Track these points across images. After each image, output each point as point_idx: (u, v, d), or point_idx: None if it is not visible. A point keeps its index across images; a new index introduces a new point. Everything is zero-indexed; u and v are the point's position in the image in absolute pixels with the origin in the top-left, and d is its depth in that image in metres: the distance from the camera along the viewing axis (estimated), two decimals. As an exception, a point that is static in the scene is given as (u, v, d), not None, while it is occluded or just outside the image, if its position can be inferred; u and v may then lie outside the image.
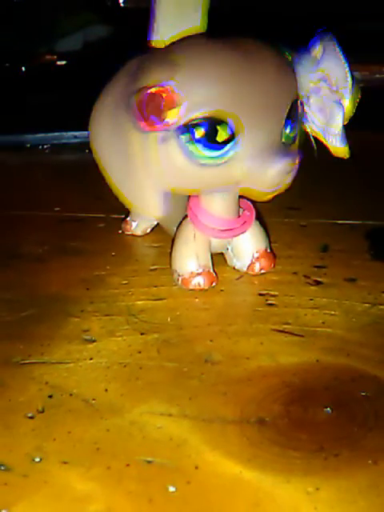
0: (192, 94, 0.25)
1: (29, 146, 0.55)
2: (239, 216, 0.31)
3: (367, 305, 0.29)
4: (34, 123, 0.57)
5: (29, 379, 0.24)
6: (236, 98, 0.26)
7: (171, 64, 0.26)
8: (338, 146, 0.29)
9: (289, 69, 0.28)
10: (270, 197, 0.28)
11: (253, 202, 0.31)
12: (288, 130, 0.27)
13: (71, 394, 0.23)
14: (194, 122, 0.26)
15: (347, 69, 0.27)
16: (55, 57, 0.70)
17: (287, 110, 0.27)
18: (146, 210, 0.30)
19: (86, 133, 0.55)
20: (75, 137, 0.55)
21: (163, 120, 0.25)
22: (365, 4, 0.69)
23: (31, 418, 0.22)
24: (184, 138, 0.26)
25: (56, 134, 0.56)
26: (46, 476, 0.20)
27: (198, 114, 0.26)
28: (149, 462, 0.20)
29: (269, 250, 0.32)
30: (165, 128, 0.26)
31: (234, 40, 0.27)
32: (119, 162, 0.29)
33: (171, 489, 0.19)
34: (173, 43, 0.27)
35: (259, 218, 0.32)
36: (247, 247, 0.31)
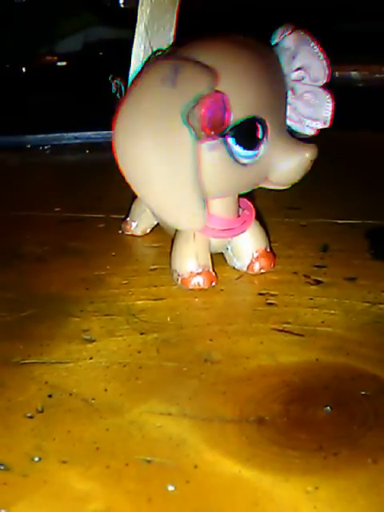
0: (235, 99, 0.26)
1: (29, 146, 0.55)
2: (239, 216, 0.31)
3: (367, 304, 0.29)
4: (35, 124, 0.57)
5: (28, 379, 0.24)
6: (263, 99, 0.27)
7: (213, 71, 0.26)
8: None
9: (280, 66, 0.29)
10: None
11: (252, 201, 0.31)
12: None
13: (71, 394, 0.23)
14: (237, 126, 0.26)
15: (324, 61, 0.28)
16: (55, 58, 0.70)
17: (286, 104, 0.28)
18: (191, 223, 0.28)
19: (86, 134, 0.56)
20: (75, 138, 0.56)
21: (225, 128, 0.26)
22: (364, 3, 0.68)
23: (31, 417, 0.22)
24: (230, 141, 0.27)
25: (56, 134, 0.56)
26: (45, 475, 0.20)
27: (239, 117, 0.26)
28: (148, 461, 0.20)
29: (268, 250, 0.32)
30: (220, 134, 0.26)
31: (242, 40, 0.28)
32: (161, 171, 0.27)
33: (170, 488, 0.19)
34: (185, 45, 0.28)
35: (259, 217, 0.32)
36: (247, 247, 0.31)
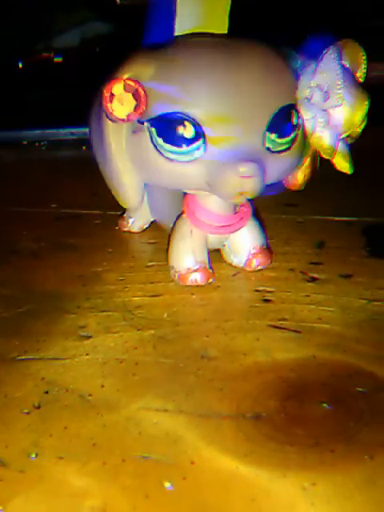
0: (162, 89, 0.26)
1: (25, 142, 0.55)
2: (236, 212, 0.31)
3: (363, 301, 0.29)
4: (31, 120, 0.57)
5: (25, 375, 0.24)
6: (208, 98, 0.26)
7: (147, 59, 0.26)
8: (340, 160, 0.29)
9: (283, 72, 0.27)
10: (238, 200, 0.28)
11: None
12: (274, 136, 0.26)
13: (67, 390, 0.23)
14: (162, 117, 0.26)
15: (340, 80, 0.27)
16: (52, 53, 0.70)
17: (272, 115, 0.26)
18: (123, 201, 0.31)
19: (82, 130, 0.55)
20: (72, 133, 0.55)
21: (128, 112, 0.26)
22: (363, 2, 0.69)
23: (27, 413, 0.22)
24: (153, 130, 0.26)
25: (53, 130, 0.56)
26: (42, 471, 0.20)
27: (166, 109, 0.26)
28: (145, 457, 0.20)
29: (266, 247, 0.32)
30: (130, 120, 0.27)
31: (225, 40, 0.27)
32: (102, 153, 0.29)
33: (167, 484, 0.19)
34: (162, 42, 0.28)
35: (256, 214, 0.32)
36: (244, 243, 0.31)
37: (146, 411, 0.22)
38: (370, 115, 0.30)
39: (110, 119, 0.27)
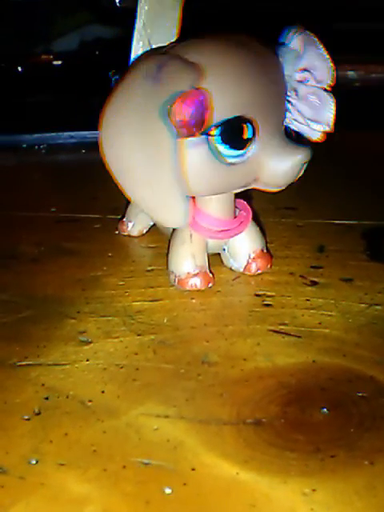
0: (220, 97, 0.26)
1: (25, 146, 0.55)
2: (235, 217, 0.31)
3: (364, 305, 0.29)
4: (31, 123, 0.57)
5: (25, 381, 0.24)
6: (254, 98, 0.27)
7: (197, 68, 0.26)
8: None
9: (281, 66, 0.28)
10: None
11: (249, 202, 0.31)
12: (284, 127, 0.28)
13: (67, 396, 0.23)
14: (222, 124, 0.26)
15: (329, 63, 0.27)
16: (52, 57, 0.70)
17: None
18: (167, 219, 0.29)
19: (82, 133, 0.56)
20: (71, 137, 0.55)
21: (204, 125, 0.26)
22: (362, 3, 0.69)
23: (27, 419, 0.22)
24: (213, 139, 0.26)
25: (52, 134, 0.56)
26: (42, 478, 0.20)
27: (225, 116, 0.26)
28: (145, 463, 0.20)
29: (265, 251, 0.32)
30: (201, 132, 0.26)
31: (239, 39, 0.28)
32: (143, 167, 0.27)
33: (167, 491, 0.19)
34: (181, 43, 0.28)
35: (255, 218, 0.32)
36: (243, 248, 0.31)
37: (146, 417, 0.22)
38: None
39: (182, 135, 0.26)
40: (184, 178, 0.27)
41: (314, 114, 0.28)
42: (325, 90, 0.28)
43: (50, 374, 0.25)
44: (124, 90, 0.27)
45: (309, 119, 0.28)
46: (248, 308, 0.29)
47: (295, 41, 0.28)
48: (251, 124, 0.27)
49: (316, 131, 0.28)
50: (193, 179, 0.27)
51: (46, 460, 0.20)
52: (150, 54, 0.29)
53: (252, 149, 0.27)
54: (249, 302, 0.30)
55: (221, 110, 0.26)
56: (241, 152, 0.27)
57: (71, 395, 0.23)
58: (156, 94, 0.26)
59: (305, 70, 0.28)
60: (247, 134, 0.27)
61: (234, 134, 0.26)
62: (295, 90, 0.28)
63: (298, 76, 0.28)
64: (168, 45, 0.29)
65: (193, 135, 0.26)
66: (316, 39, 0.28)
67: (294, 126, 0.29)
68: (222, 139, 0.26)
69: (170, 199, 0.28)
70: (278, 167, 0.27)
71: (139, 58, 0.29)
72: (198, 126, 0.26)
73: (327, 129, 0.28)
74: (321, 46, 0.28)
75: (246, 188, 0.29)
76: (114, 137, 0.27)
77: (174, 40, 0.31)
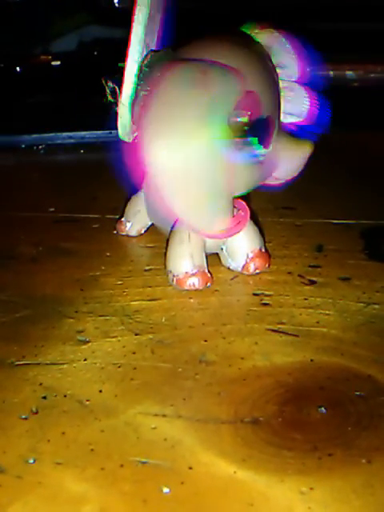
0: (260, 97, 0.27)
1: (23, 146, 0.55)
2: (234, 216, 0.31)
3: (362, 304, 0.29)
4: (29, 124, 0.57)
5: (23, 380, 0.24)
6: (270, 97, 0.28)
7: (237, 72, 0.26)
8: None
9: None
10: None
11: (247, 202, 0.31)
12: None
13: (65, 395, 0.23)
14: (260, 122, 0.27)
15: (297, 59, 0.28)
16: (50, 57, 0.70)
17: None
18: (217, 224, 0.29)
19: (80, 133, 0.56)
20: (70, 137, 0.55)
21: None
22: (361, 3, 0.69)
23: (25, 419, 0.22)
24: (251, 140, 0.27)
25: (51, 134, 0.56)
26: (40, 477, 0.20)
27: (263, 114, 0.27)
28: (143, 462, 0.20)
29: (263, 250, 0.32)
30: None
31: (244, 39, 0.28)
32: (197, 174, 0.27)
33: (165, 489, 0.19)
34: (188, 46, 0.28)
35: (254, 217, 0.32)
36: (242, 247, 0.31)
37: (144, 416, 0.22)
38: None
39: (233, 138, 0.27)
40: (229, 181, 0.28)
41: (289, 107, 0.29)
42: (297, 83, 0.28)
43: (47, 373, 0.25)
44: (166, 101, 0.27)
45: (285, 113, 0.29)
46: (246, 307, 0.29)
47: (262, 38, 0.28)
48: (274, 122, 0.28)
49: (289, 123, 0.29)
50: (236, 181, 0.28)
51: (44, 459, 0.20)
52: (179, 60, 0.28)
53: (273, 144, 0.28)
54: (247, 302, 0.30)
55: (261, 110, 0.27)
56: (267, 150, 0.28)
57: (69, 394, 0.23)
58: (204, 100, 0.26)
59: (276, 65, 0.28)
60: (274, 132, 0.28)
61: (266, 133, 0.28)
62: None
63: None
64: (166, 49, 0.29)
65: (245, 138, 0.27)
66: (281, 36, 0.28)
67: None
68: (251, 140, 0.27)
69: (217, 205, 0.29)
70: (290, 160, 0.29)
71: (162, 65, 0.28)
72: (252, 130, 0.27)
73: (301, 120, 0.29)
74: (287, 43, 0.28)
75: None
76: (162, 145, 0.27)
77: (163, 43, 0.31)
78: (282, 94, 0.29)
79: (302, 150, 0.29)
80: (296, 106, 0.29)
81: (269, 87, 0.28)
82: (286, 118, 0.29)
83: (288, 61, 0.28)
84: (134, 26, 0.30)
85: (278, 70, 0.28)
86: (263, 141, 0.28)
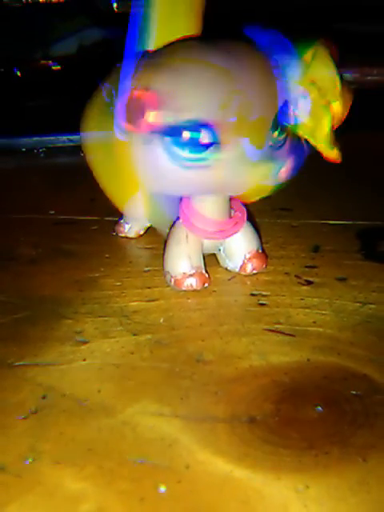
0: (175, 98, 0.26)
1: (24, 149, 0.56)
2: (231, 217, 0.31)
3: (358, 304, 0.29)
4: (29, 127, 0.57)
5: (22, 380, 0.24)
6: (221, 104, 0.26)
7: (156, 68, 0.26)
8: (328, 150, 0.29)
9: (276, 73, 0.28)
10: (257, 198, 0.29)
11: (244, 203, 0.31)
12: (276, 134, 0.27)
13: (64, 395, 0.23)
14: (177, 125, 0.26)
15: (337, 77, 0.27)
16: (50, 61, 0.70)
17: (275, 115, 0.27)
18: (132, 212, 0.31)
19: (80, 136, 0.56)
20: (70, 140, 0.56)
21: (143, 121, 0.26)
22: (359, 5, 0.69)
23: (24, 418, 0.22)
24: (167, 139, 0.26)
25: (51, 137, 0.56)
26: (38, 476, 0.20)
27: (181, 117, 0.26)
28: (140, 461, 0.20)
29: (260, 251, 0.32)
30: (146, 129, 0.26)
31: (223, 44, 0.27)
32: (107, 163, 0.29)
33: (162, 488, 0.19)
34: (164, 46, 0.28)
35: (251, 218, 0.32)
36: (239, 248, 0.32)
37: (141, 415, 0.22)
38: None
39: (123, 129, 0.27)
40: (143, 175, 0.28)
41: (314, 125, 0.28)
42: (324, 105, 0.28)
43: (46, 373, 0.25)
44: (97, 90, 0.29)
45: (312, 128, 0.28)
46: (243, 307, 0.29)
47: (264, 40, 0.28)
48: (212, 129, 0.26)
49: (320, 140, 0.28)
50: (150, 176, 0.28)
51: (43, 458, 0.21)
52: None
53: (213, 154, 0.26)
54: (244, 302, 0.30)
55: (177, 110, 0.26)
56: (198, 156, 0.26)
57: (67, 394, 0.24)
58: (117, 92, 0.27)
59: (277, 66, 0.28)
60: (207, 139, 0.26)
61: (189, 136, 0.26)
62: (296, 100, 0.28)
63: (302, 83, 0.28)
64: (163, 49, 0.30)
65: (136, 130, 0.26)
66: (282, 36, 0.28)
67: (303, 133, 0.29)
68: (174, 141, 0.26)
69: (129, 193, 0.30)
70: (238, 177, 0.27)
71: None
72: (135, 122, 0.26)
73: (303, 121, 0.28)
74: (289, 43, 0.28)
75: (223, 192, 0.29)
76: (86, 135, 0.31)
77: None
78: (312, 107, 0.28)
79: (254, 170, 0.27)
80: (297, 106, 0.28)
81: (259, 89, 0.27)
82: (290, 119, 0.29)
83: (327, 76, 0.27)
84: (129, 27, 0.30)
85: (308, 87, 0.28)
86: (186, 146, 0.26)
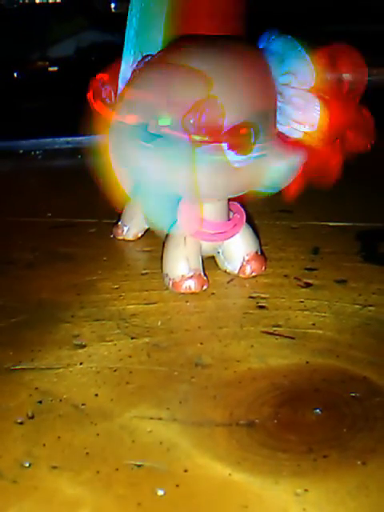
0: (228, 104, 0.26)
1: (21, 151, 0.55)
2: (229, 219, 0.31)
3: (357, 306, 0.29)
4: (27, 129, 0.57)
5: (19, 385, 0.24)
6: (254, 103, 0.27)
7: (204, 76, 0.26)
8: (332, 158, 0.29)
9: (272, 78, 0.28)
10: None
11: (243, 205, 0.31)
12: (264, 139, 0.28)
13: (61, 400, 0.23)
14: (230, 131, 0.26)
15: (311, 66, 0.27)
16: (47, 62, 0.70)
17: (264, 120, 0.28)
18: (186, 226, 0.29)
19: (78, 138, 0.56)
20: (68, 142, 0.56)
21: (221, 134, 0.26)
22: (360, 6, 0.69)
23: (21, 423, 0.22)
24: (223, 146, 0.26)
25: (48, 139, 0.56)
26: (35, 481, 0.20)
27: (232, 122, 0.26)
28: (138, 465, 0.20)
29: (260, 253, 0.32)
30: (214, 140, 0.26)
31: (235, 45, 0.28)
32: (159, 178, 0.28)
33: (160, 492, 0.19)
34: (181, 49, 0.28)
35: (250, 220, 0.32)
36: (238, 250, 0.31)
37: (139, 420, 0.22)
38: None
39: (195, 144, 0.26)
40: (196, 185, 0.27)
41: (299, 115, 0.28)
42: (309, 91, 0.28)
43: (43, 377, 0.25)
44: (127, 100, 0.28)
45: (294, 120, 0.28)
46: (242, 310, 0.29)
47: (276, 44, 0.28)
48: (255, 128, 0.27)
49: (297, 131, 0.28)
50: (204, 185, 0.27)
51: (39, 463, 0.20)
52: (152, 62, 0.29)
53: (255, 152, 0.27)
54: (243, 305, 0.30)
55: (229, 116, 0.26)
56: (246, 156, 0.27)
57: (65, 399, 0.23)
58: (169, 104, 0.26)
59: (287, 72, 0.28)
60: (252, 139, 0.27)
61: (243, 140, 0.27)
62: (281, 93, 0.28)
63: (282, 79, 0.28)
64: (159, 52, 0.30)
65: (207, 143, 0.26)
66: (296, 41, 0.28)
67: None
68: (229, 146, 0.27)
69: (184, 207, 0.28)
70: (278, 169, 0.28)
71: (139, 68, 0.29)
72: (213, 135, 0.26)
73: (312, 129, 0.28)
74: (302, 49, 0.28)
75: (248, 190, 0.29)
76: (124, 146, 0.28)
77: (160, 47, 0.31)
78: (293, 101, 0.28)
79: (291, 159, 0.28)
80: (307, 113, 0.28)
81: (255, 94, 0.27)
82: (294, 126, 0.28)
83: (302, 67, 0.27)
84: (127, 30, 0.30)
85: (288, 77, 0.28)
86: (240, 149, 0.27)
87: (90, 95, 0.27)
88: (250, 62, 0.27)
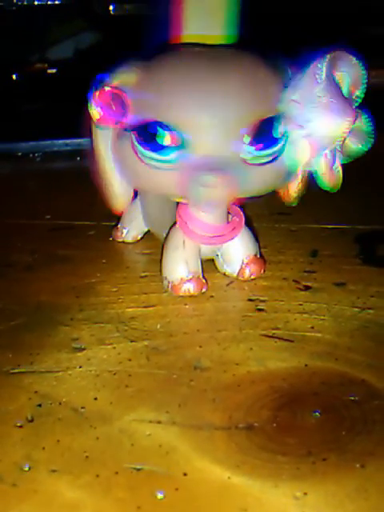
0: (142, 98, 0.27)
1: (20, 154, 0.56)
2: (228, 222, 0.31)
3: (356, 309, 0.29)
4: (26, 131, 0.57)
5: (18, 388, 0.24)
6: (185, 108, 0.26)
7: (131, 67, 0.28)
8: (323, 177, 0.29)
9: (268, 84, 0.27)
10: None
11: (242, 207, 0.31)
12: (252, 148, 0.27)
13: (60, 403, 0.23)
14: (142, 124, 0.27)
15: (320, 92, 0.27)
16: (46, 64, 0.70)
17: (249, 126, 0.26)
18: (112, 203, 0.32)
19: (77, 141, 0.56)
20: (66, 145, 0.56)
21: (109, 117, 0.28)
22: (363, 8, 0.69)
23: (20, 427, 0.22)
24: (133, 136, 0.27)
25: (47, 142, 0.56)
26: (35, 485, 0.20)
27: (145, 116, 0.27)
28: (138, 469, 0.20)
29: (259, 256, 0.32)
30: (112, 126, 0.28)
31: (211, 50, 0.27)
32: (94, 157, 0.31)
33: (159, 496, 0.19)
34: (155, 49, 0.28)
35: (249, 223, 0.32)
36: (237, 253, 0.32)
37: (138, 423, 0.22)
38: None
39: (96, 125, 0.29)
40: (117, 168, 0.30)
41: (319, 127, 0.27)
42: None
43: (42, 381, 0.25)
44: None
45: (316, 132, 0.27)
46: (241, 313, 0.29)
47: (319, 67, 0.26)
48: (173, 130, 0.26)
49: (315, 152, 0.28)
50: (121, 169, 0.30)
51: (39, 467, 0.20)
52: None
53: (176, 157, 0.27)
54: (242, 307, 0.30)
55: (143, 109, 0.27)
56: (157, 156, 0.27)
57: (64, 402, 0.23)
58: None
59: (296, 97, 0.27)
60: (167, 142, 0.26)
61: (148, 136, 0.27)
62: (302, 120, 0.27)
63: (291, 99, 0.27)
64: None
65: (102, 124, 0.28)
66: (320, 68, 0.27)
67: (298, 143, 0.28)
68: (136, 139, 0.27)
69: (110, 185, 0.31)
70: (185, 184, 0.27)
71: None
72: (106, 121, 0.28)
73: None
74: (320, 76, 0.27)
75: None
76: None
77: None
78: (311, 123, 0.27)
79: (195, 181, 0.26)
80: (326, 126, 0.27)
81: (237, 101, 0.26)
82: (319, 136, 0.27)
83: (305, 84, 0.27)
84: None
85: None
86: (146, 144, 0.27)
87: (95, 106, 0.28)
88: (253, 73, 0.27)
